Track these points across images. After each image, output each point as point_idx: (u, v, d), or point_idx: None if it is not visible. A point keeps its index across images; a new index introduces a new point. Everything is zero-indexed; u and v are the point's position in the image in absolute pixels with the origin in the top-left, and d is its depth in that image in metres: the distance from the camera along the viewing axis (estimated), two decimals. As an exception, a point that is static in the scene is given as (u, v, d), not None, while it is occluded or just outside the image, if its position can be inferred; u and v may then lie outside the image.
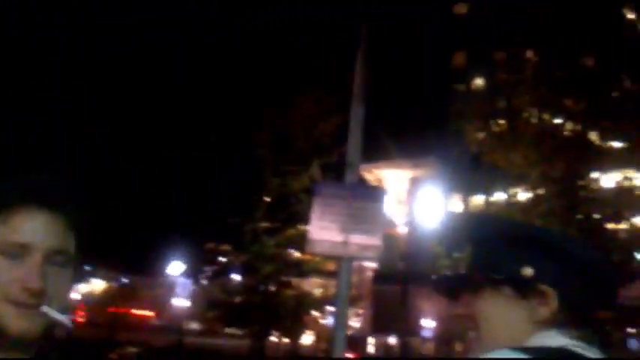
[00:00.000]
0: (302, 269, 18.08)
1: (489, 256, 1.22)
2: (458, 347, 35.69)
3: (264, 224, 17.58)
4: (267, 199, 17.43)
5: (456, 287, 1.25)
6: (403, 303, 16.83)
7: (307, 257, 18.43)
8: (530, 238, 1.21)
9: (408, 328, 18.52)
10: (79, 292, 48.92)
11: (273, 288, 17.57)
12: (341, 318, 3.61)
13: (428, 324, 35.73)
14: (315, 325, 30.06)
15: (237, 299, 18.76)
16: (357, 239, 3.70)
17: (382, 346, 40.73)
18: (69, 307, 1.11)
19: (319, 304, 27.15)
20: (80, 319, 43.17)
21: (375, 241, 3.72)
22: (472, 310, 1.20)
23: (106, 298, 44.72)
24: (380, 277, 36.50)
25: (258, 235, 17.22)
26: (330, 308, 40.17)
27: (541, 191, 14.81)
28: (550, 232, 1.22)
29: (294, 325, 18.88)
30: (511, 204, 16.79)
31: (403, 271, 16.22)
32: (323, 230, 3.74)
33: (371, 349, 40.41)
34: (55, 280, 1.08)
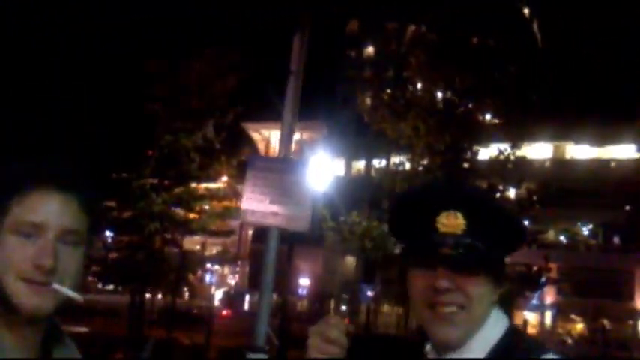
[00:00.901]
0: (188, 228, 17.93)
1: (497, 237, 1.22)
2: (329, 304, 37.20)
3: (153, 181, 17.16)
4: (157, 156, 16.97)
5: (478, 265, 1.21)
6: (288, 264, 17.25)
7: (193, 216, 18.30)
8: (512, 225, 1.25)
9: (285, 287, 19.06)
10: None
11: (157, 244, 17.30)
12: (267, 284, 3.76)
13: (304, 283, 36.84)
14: (190, 283, 29.98)
15: (116, 255, 18.30)
16: (287, 211, 3.84)
17: (256, 303, 41.45)
18: (80, 283, 1.16)
19: (202, 262, 27.05)
20: None
21: (303, 212, 3.88)
22: (466, 287, 1.19)
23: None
24: (260, 235, 36.93)
25: (145, 192, 16.79)
26: (209, 266, 40.01)
27: (425, 162, 15.62)
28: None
29: (176, 283, 18.79)
30: (395, 172, 17.59)
31: (289, 234, 16.57)
32: (255, 201, 3.84)
33: (246, 305, 41.01)
34: (66, 259, 1.12)
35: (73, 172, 1.18)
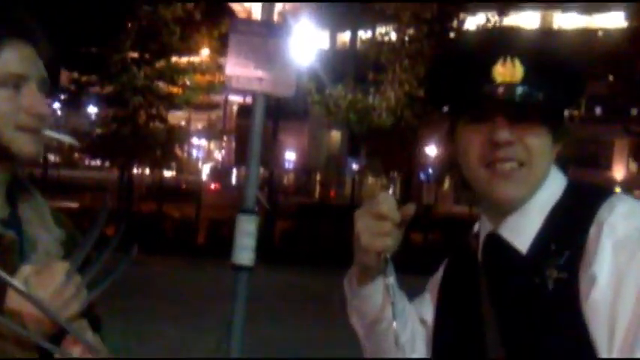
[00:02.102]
0: (172, 102, 17.79)
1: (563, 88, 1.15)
2: (316, 177, 37.99)
3: (133, 54, 16.74)
4: (136, 28, 16.44)
5: (538, 115, 1.13)
6: (273, 138, 17.34)
7: (177, 90, 18.10)
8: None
9: (272, 160, 19.33)
10: None
11: (142, 119, 17.23)
12: (255, 149, 3.82)
13: (290, 157, 37.32)
14: (177, 157, 30.26)
15: (101, 130, 18.27)
16: (272, 76, 3.82)
17: (244, 177, 42.23)
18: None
19: (186, 136, 27.09)
20: None
21: (288, 77, 3.86)
22: (526, 139, 1.12)
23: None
24: (245, 111, 36.81)
25: (126, 66, 16.43)
26: (195, 141, 40.08)
27: (412, 32, 15.31)
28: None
29: (163, 157, 18.96)
30: (380, 43, 17.28)
31: (274, 106, 16.51)
32: (239, 66, 3.80)
33: (233, 179, 41.73)
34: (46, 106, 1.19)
35: (36, 23, 1.20)
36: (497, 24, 15.56)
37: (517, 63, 1.11)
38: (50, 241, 1.21)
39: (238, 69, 3.76)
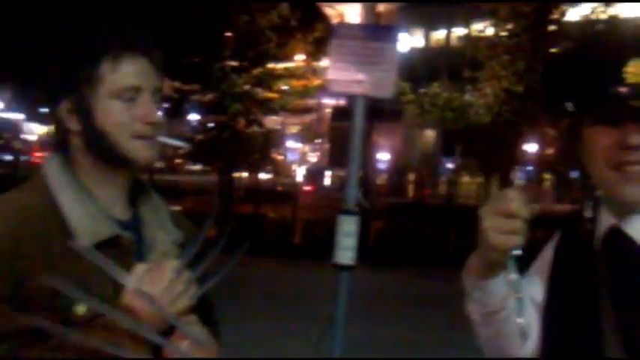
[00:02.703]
0: (269, 107, 18.25)
1: None
2: (411, 177, 37.62)
3: (232, 63, 17.35)
4: (234, 37, 17.02)
5: None
6: (368, 138, 17.38)
7: (273, 95, 18.56)
8: None
9: (364, 161, 19.37)
10: (35, 133, 48.31)
11: (241, 125, 17.81)
12: (356, 148, 3.87)
13: (383, 157, 37.20)
14: (273, 161, 30.93)
15: (202, 136, 19.00)
16: (373, 77, 3.86)
17: (338, 178, 42.54)
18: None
19: (282, 140, 27.65)
20: (36, 160, 43.06)
21: (388, 78, 3.89)
22: None
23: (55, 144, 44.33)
24: (338, 114, 37.08)
25: (226, 74, 17.05)
26: (290, 145, 40.75)
27: (510, 26, 14.86)
28: None
29: (261, 161, 19.47)
30: (477, 39, 16.90)
31: (369, 107, 16.53)
32: (340, 70, 3.87)
33: (327, 181, 42.10)
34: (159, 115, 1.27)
35: (149, 36, 1.29)
36: (602, 15, 14.82)
37: None
38: (167, 243, 1.28)
39: (339, 73, 3.83)
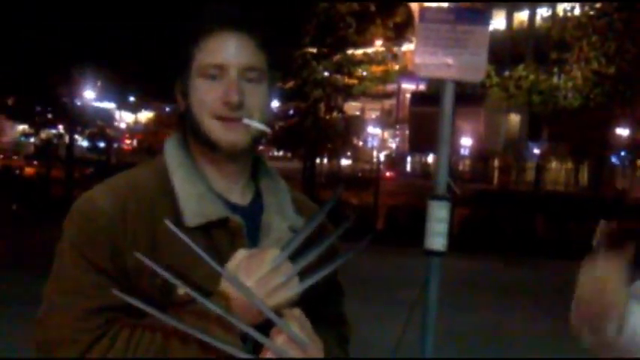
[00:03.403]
0: (349, 93, 18.27)
1: None
2: (494, 163, 36.66)
3: (312, 50, 17.46)
4: (314, 24, 17.11)
5: None
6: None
7: (354, 81, 18.55)
8: None
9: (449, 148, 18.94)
10: (125, 121, 50.46)
11: (322, 111, 17.93)
12: (445, 143, 3.83)
13: (465, 143, 36.44)
14: (354, 146, 30.92)
15: (284, 123, 19.27)
16: (461, 61, 3.80)
17: (418, 164, 42.05)
18: (269, 118, 1.22)
19: (362, 126, 27.59)
20: (126, 147, 45.04)
21: (478, 62, 3.82)
22: None
23: (151, 126, 46.13)
24: (418, 99, 36.59)
25: (307, 61, 17.19)
26: (370, 130, 40.59)
27: (599, 5, 14.15)
28: None
29: (342, 147, 19.56)
30: (564, 19, 16.21)
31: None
32: (427, 54, 3.83)
33: (408, 167, 41.72)
34: (251, 95, 1.18)
35: (245, 12, 1.22)
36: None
37: None
38: (283, 229, 1.21)
39: (427, 57, 3.80)
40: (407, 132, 41.90)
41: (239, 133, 1.17)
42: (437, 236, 3.76)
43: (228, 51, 1.17)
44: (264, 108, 1.20)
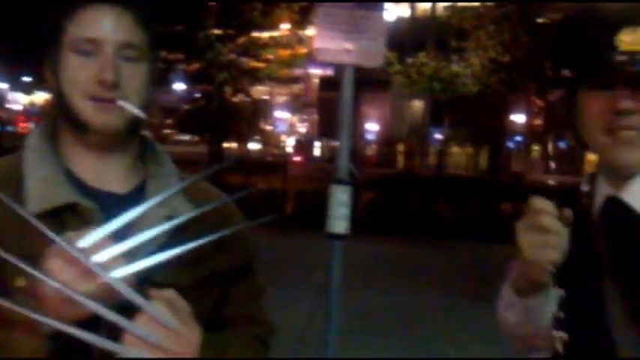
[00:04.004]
0: (256, 76, 18.13)
1: None
2: (399, 147, 37.66)
3: (217, 31, 17.15)
4: (219, 5, 16.79)
5: None
6: (355, 109, 17.34)
7: (260, 64, 18.41)
8: None
9: (353, 132, 19.32)
10: (19, 102, 47.73)
11: (228, 94, 17.70)
12: (345, 128, 3.87)
13: (372, 128, 37.15)
14: (262, 131, 30.82)
15: (189, 106, 18.88)
16: (360, 47, 3.84)
17: (327, 149, 42.52)
18: (148, 102, 1.14)
19: (269, 110, 27.51)
20: (22, 130, 42.67)
21: (377, 47, 3.88)
22: None
23: (48, 108, 44.01)
24: (326, 84, 36.88)
25: (211, 43, 16.86)
26: (279, 115, 40.53)
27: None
28: None
29: (249, 131, 19.42)
30: (463, 9, 16.81)
31: (356, 78, 16.47)
32: (327, 39, 3.84)
33: (317, 152, 42.06)
34: (128, 75, 1.09)
35: None
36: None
37: None
38: (158, 217, 1.08)
39: (326, 41, 3.81)
40: (316, 117, 42.21)
41: (112, 115, 1.09)
42: (339, 220, 3.81)
43: (104, 25, 1.09)
44: (141, 90, 1.12)
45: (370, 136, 37.90)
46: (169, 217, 1.08)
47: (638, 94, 1.13)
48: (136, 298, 0.96)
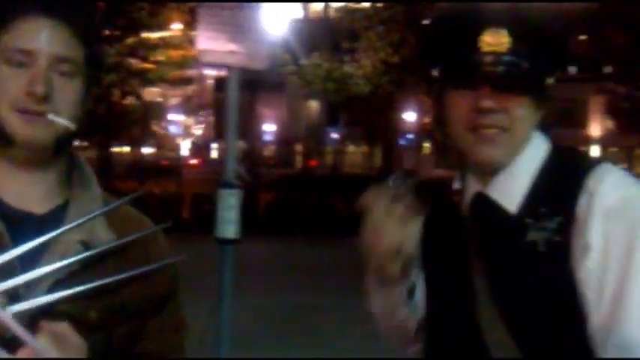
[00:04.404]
0: (146, 78, 17.59)
1: (549, 55, 1.19)
2: (297, 148, 37.89)
3: (104, 32, 16.46)
4: (104, 5, 16.13)
5: (522, 85, 1.18)
6: (249, 110, 17.26)
7: (150, 66, 17.89)
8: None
9: (250, 134, 19.24)
10: None
11: (117, 97, 17.06)
12: (232, 130, 3.83)
13: (269, 129, 37.13)
14: (155, 134, 29.98)
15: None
16: (245, 48, 3.80)
17: (224, 151, 42.00)
18: (80, 118, 1.11)
19: (162, 112, 26.81)
20: None
21: (261, 49, 3.85)
22: (509, 107, 1.17)
23: None
24: (222, 85, 36.42)
25: (97, 43, 16.17)
26: (173, 117, 39.60)
27: (384, -3, 15.18)
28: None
29: (141, 134, 18.81)
30: (354, 10, 17.16)
31: (250, 79, 16.40)
32: (211, 40, 3.77)
33: (214, 154, 41.49)
34: (62, 90, 1.08)
35: None
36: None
37: (504, 33, 1.15)
38: (72, 242, 1.07)
39: (210, 43, 3.74)
40: (212, 118, 41.58)
41: (40, 128, 1.05)
42: (228, 224, 3.75)
43: (40, 37, 1.06)
44: (74, 105, 1.09)
45: (268, 137, 37.86)
46: (85, 243, 1.07)
47: (500, 93, 1.16)
48: (21, 332, 0.93)
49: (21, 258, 0.98)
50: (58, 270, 1.00)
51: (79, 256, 1.02)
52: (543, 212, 1.16)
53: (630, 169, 32.24)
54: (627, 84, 19.47)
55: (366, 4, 16.89)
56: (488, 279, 1.19)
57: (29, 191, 1.11)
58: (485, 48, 1.15)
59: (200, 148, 40.76)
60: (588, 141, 37.01)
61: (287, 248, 11.71)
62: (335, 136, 33.97)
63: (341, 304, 7.21)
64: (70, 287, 1.01)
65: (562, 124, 33.46)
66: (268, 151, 39.05)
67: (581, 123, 37.58)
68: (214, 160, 39.02)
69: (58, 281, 1.01)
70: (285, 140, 37.65)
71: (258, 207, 15.46)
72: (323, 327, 6.53)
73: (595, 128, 37.75)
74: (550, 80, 1.23)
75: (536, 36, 1.18)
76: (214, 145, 41.34)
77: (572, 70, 1.30)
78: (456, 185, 1.30)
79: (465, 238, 1.22)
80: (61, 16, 1.09)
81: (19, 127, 1.06)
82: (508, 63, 1.15)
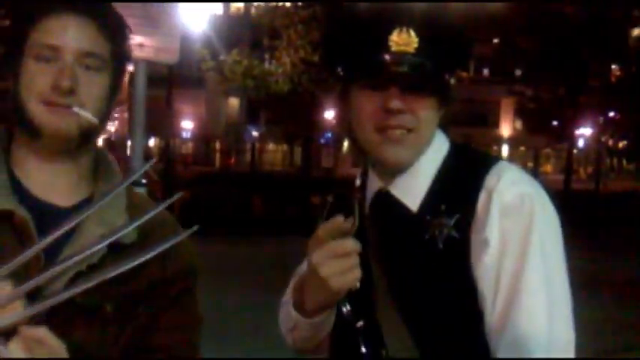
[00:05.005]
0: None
1: (451, 56, 1.20)
2: (216, 145, 37.44)
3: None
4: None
5: (428, 85, 1.18)
6: (168, 106, 16.86)
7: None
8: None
9: (167, 130, 18.84)
10: None
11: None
12: (138, 127, 3.70)
13: (187, 126, 36.48)
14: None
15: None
16: (154, 42, 3.69)
17: (141, 148, 40.93)
18: (104, 113, 1.15)
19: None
20: None
21: (172, 43, 3.75)
22: (416, 109, 1.17)
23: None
24: (138, 79, 35.41)
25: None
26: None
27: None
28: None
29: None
30: (274, 8, 17.13)
31: (168, 75, 16.01)
32: (118, 32, 3.63)
33: (130, 151, 40.37)
34: (87, 84, 1.11)
35: None
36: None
37: (412, 33, 1.15)
38: (93, 236, 1.09)
39: (117, 35, 3.60)
40: (126, 115, 40.46)
41: (65, 120, 1.09)
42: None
43: (67, 33, 1.11)
44: (99, 99, 1.12)
45: (186, 134, 37.19)
46: (103, 237, 1.07)
47: (407, 94, 1.16)
48: None
49: (45, 250, 1.02)
50: (80, 263, 1.03)
51: (101, 245, 1.03)
52: (443, 209, 1.18)
53: (536, 167, 33.99)
54: (534, 86, 20.46)
55: (287, 4, 16.89)
56: (387, 276, 1.20)
57: (55, 183, 1.14)
58: (394, 48, 1.15)
59: (115, 145, 39.59)
60: (500, 140, 38.71)
61: (205, 247, 11.50)
62: (255, 134, 33.83)
63: (257, 304, 7.16)
64: (89, 281, 1.01)
65: (475, 124, 34.84)
66: (186, 149, 38.37)
67: (494, 123, 39.24)
68: (129, 157, 37.93)
69: (79, 274, 1.04)
70: (203, 137, 37.10)
71: (174, 205, 15.14)
72: (239, 328, 6.46)
73: (506, 128, 39.51)
74: (452, 80, 1.24)
75: (441, 36, 1.17)
76: (129, 142, 40.22)
77: (486, 72, 1.30)
78: (357, 182, 1.29)
79: (366, 236, 1.21)
80: (87, 12, 1.12)
81: (46, 119, 1.09)
82: (414, 64, 1.14)
